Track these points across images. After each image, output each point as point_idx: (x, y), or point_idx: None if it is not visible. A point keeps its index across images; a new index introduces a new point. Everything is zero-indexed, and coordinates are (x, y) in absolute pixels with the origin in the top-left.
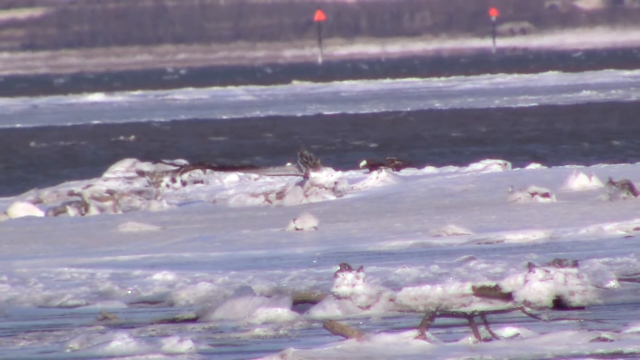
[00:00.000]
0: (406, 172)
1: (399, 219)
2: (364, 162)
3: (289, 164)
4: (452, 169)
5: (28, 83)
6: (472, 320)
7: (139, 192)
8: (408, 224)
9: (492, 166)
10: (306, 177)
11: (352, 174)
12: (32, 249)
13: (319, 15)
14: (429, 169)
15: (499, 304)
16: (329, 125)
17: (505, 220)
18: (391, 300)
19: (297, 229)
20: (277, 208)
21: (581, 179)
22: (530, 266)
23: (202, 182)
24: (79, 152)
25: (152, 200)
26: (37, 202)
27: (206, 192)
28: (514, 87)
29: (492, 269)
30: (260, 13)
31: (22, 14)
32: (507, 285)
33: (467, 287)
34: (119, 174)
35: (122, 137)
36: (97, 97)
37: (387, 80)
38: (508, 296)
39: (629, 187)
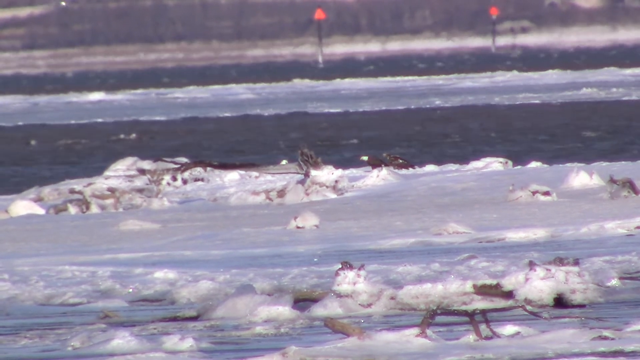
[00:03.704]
0: (407, 170)
1: (399, 218)
2: (365, 157)
3: (284, 161)
4: (452, 167)
5: (29, 81)
6: (473, 318)
7: (140, 190)
8: (409, 222)
9: (493, 164)
10: (307, 175)
11: (352, 172)
12: (33, 247)
13: (319, 14)
14: (430, 167)
15: (500, 302)
16: (330, 124)
17: (506, 218)
18: (392, 298)
19: (298, 227)
20: (278, 206)
21: (582, 177)
22: (531, 264)
23: (202, 180)
24: (80, 150)
25: (153, 198)
26: (38, 200)
27: (207, 190)
28: (514, 85)
29: (493, 267)
30: (261, 12)
31: (22, 12)
32: (508, 283)
33: (468, 286)
34: (120, 172)
35: (123, 136)
36: (98, 95)
37: (387, 79)
38: (509, 294)
39: (630, 185)
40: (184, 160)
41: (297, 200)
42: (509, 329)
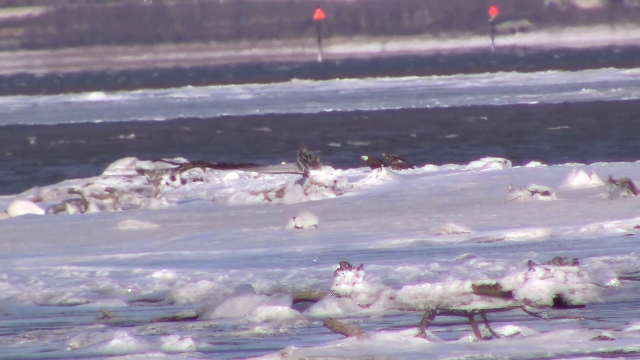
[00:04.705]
0: (406, 170)
1: (399, 217)
2: (365, 157)
3: (283, 162)
4: (452, 167)
5: (28, 81)
6: (473, 318)
7: (139, 190)
8: (408, 222)
9: (492, 164)
10: (306, 175)
11: (351, 172)
12: (32, 247)
13: (318, 14)
14: (429, 167)
15: (499, 302)
16: (329, 124)
17: (505, 218)
18: (391, 298)
19: (297, 227)
20: (277, 206)
21: (581, 177)
22: (531, 264)
23: (201, 180)
24: (79, 151)
25: (152, 198)
26: (37, 200)
27: (206, 190)
28: (514, 85)
29: (492, 267)
30: (260, 11)
31: (21, 12)
32: (507, 283)
33: (467, 286)
34: (119, 172)
35: (122, 136)
36: (97, 95)
37: (387, 79)
38: (508, 294)
39: (629, 185)
40: (182, 160)
41: (296, 200)
42: (508, 329)
